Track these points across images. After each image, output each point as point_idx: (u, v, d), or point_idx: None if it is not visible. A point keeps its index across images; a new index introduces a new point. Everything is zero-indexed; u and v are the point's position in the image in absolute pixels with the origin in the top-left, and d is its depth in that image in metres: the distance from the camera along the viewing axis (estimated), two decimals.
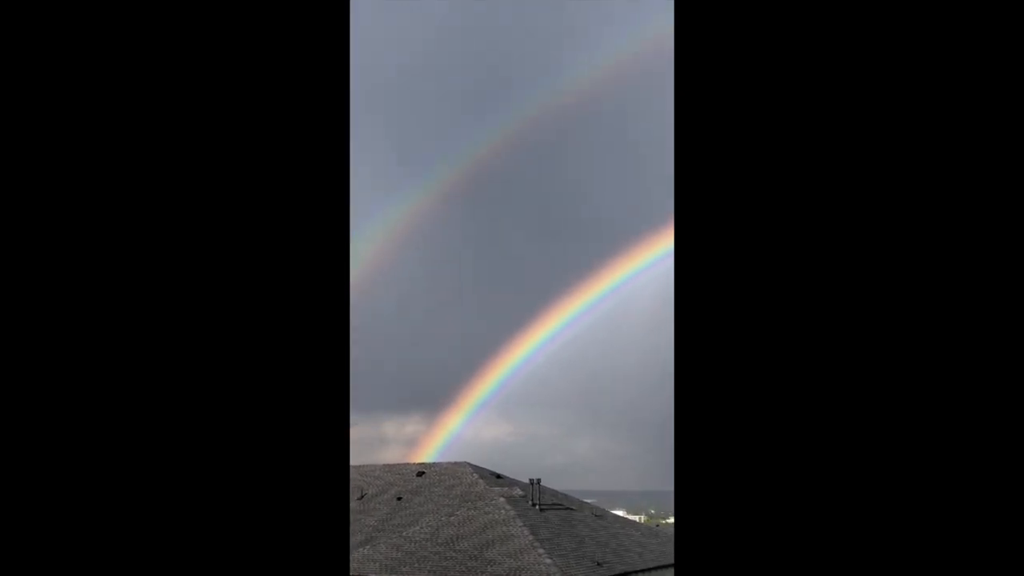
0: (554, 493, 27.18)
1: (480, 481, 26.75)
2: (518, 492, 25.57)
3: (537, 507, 24.47)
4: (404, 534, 22.96)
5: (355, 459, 24.10)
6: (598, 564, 21.12)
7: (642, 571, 22.33)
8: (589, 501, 29.71)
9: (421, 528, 23.16)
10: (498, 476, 28.67)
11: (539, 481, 25.46)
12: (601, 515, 26.88)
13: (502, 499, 24.19)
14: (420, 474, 28.41)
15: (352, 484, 27.97)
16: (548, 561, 19.98)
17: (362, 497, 27.46)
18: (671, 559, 23.02)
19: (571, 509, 25.92)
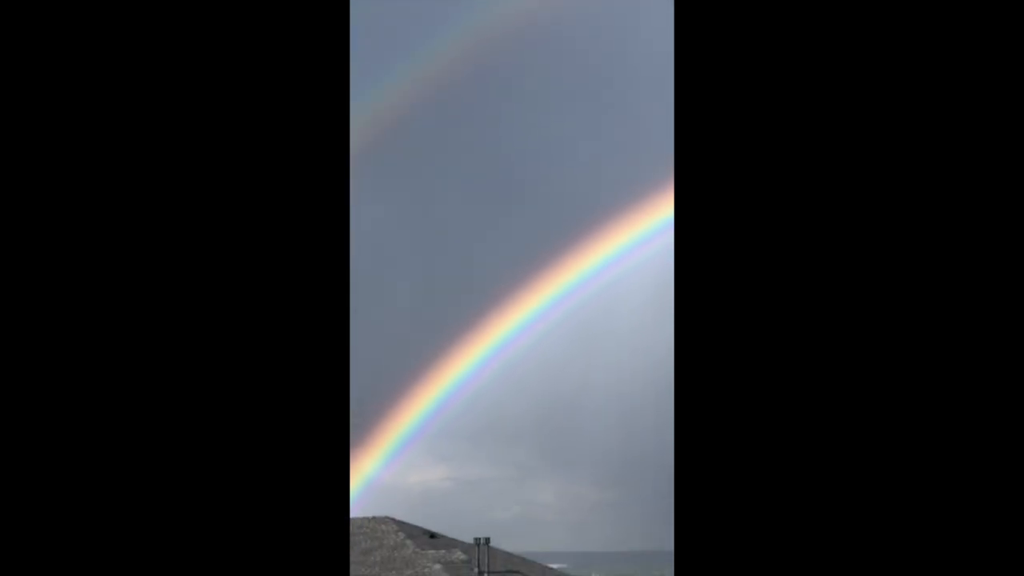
0: (508, 556, 23.55)
1: (408, 542, 22.58)
2: (459, 556, 22.06)
3: (485, 575, 21.41)
4: None
5: None
6: None
7: None
8: (555, 566, 25.94)
9: None
10: (432, 535, 24.42)
11: (487, 541, 21.62)
12: None
13: (438, 565, 21.04)
14: None
15: None
16: None
17: None
18: None
19: None
